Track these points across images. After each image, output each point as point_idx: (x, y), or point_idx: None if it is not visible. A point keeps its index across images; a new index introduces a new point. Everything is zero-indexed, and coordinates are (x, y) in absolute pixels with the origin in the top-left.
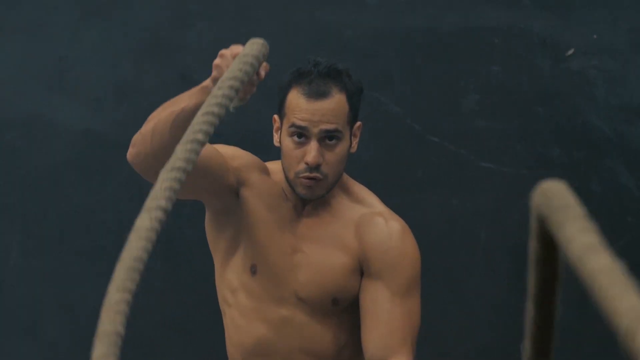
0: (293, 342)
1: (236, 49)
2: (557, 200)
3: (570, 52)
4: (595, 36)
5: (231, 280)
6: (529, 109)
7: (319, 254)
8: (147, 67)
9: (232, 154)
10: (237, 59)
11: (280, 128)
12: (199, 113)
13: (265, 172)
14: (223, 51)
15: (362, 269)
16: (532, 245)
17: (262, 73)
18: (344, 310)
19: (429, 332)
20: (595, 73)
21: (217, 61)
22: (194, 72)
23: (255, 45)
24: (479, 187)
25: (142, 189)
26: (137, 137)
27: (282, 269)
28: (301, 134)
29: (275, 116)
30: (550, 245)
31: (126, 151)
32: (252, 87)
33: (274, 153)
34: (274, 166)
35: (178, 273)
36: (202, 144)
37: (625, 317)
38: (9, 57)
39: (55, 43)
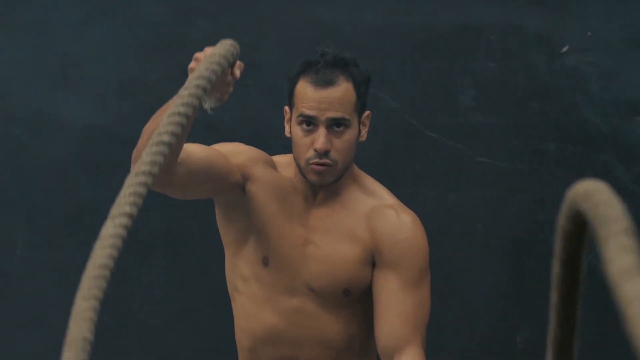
0: (303, 331)
1: (209, 50)
2: (602, 208)
3: (565, 49)
4: (589, 33)
5: (243, 269)
6: (524, 104)
7: (330, 246)
8: (151, 63)
9: (234, 151)
10: (205, 59)
11: (290, 119)
12: (166, 114)
13: (271, 165)
14: (197, 54)
15: (374, 260)
16: (561, 243)
17: (237, 72)
18: (355, 300)
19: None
20: (589, 69)
21: (191, 65)
22: None
23: (224, 46)
24: (475, 182)
25: None
26: (135, 154)
27: (294, 260)
28: (309, 122)
29: (286, 107)
30: (574, 261)
31: (130, 146)
32: (229, 87)
33: (275, 150)
34: (282, 159)
35: (181, 267)
36: (169, 145)
37: None
38: (15, 53)
39: (60, 40)
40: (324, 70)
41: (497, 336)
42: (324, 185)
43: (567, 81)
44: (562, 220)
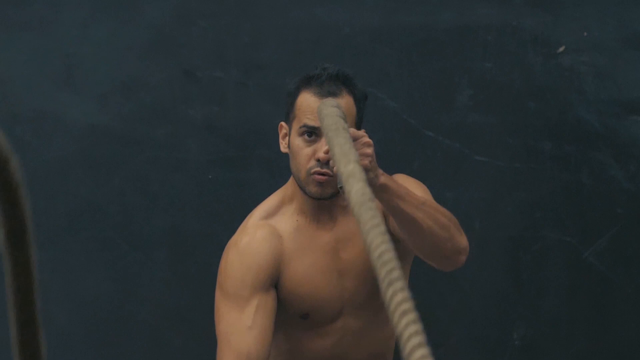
0: (349, 347)
1: None
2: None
3: (561, 49)
4: (585, 33)
5: (279, 321)
6: (521, 104)
7: (356, 255)
8: (152, 63)
9: (254, 278)
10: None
11: (288, 133)
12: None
13: (275, 237)
14: None
15: (389, 227)
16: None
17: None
18: None
19: (424, 320)
20: (585, 69)
21: None
22: (197, 69)
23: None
24: (473, 180)
25: (146, 181)
26: None
27: (333, 294)
28: (312, 132)
29: (282, 123)
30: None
31: (132, 145)
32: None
33: (276, 149)
34: (272, 203)
35: (182, 264)
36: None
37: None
38: (18, 53)
39: (62, 40)
40: (327, 82)
41: (494, 333)
42: (323, 198)
43: (563, 81)
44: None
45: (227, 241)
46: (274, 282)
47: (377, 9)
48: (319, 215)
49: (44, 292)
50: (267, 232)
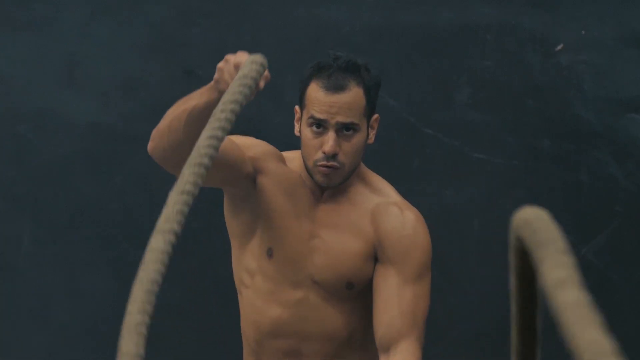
0: (307, 324)
1: (241, 56)
2: (539, 233)
3: (560, 47)
4: (583, 32)
5: (249, 262)
6: (519, 102)
7: (335, 240)
8: (153, 62)
9: (248, 144)
10: (236, 80)
11: (300, 119)
12: (203, 136)
13: (282, 160)
14: (228, 56)
15: (376, 256)
16: (513, 278)
17: (262, 83)
18: (357, 294)
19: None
20: (583, 67)
21: (220, 64)
22: (198, 68)
23: (254, 65)
24: (471, 178)
25: (148, 179)
26: (155, 132)
27: (299, 253)
28: (319, 124)
29: (297, 107)
30: (529, 277)
31: (133, 144)
32: (251, 96)
33: (276, 146)
34: (290, 154)
35: (182, 263)
36: (207, 167)
37: (586, 352)
38: (21, 52)
39: (65, 40)
40: (336, 74)
41: (493, 330)
42: (330, 187)
43: (562, 79)
44: (512, 240)
45: (227, 239)
46: (254, 169)
47: (377, 9)
48: (320, 188)
49: (45, 288)
50: (280, 153)
